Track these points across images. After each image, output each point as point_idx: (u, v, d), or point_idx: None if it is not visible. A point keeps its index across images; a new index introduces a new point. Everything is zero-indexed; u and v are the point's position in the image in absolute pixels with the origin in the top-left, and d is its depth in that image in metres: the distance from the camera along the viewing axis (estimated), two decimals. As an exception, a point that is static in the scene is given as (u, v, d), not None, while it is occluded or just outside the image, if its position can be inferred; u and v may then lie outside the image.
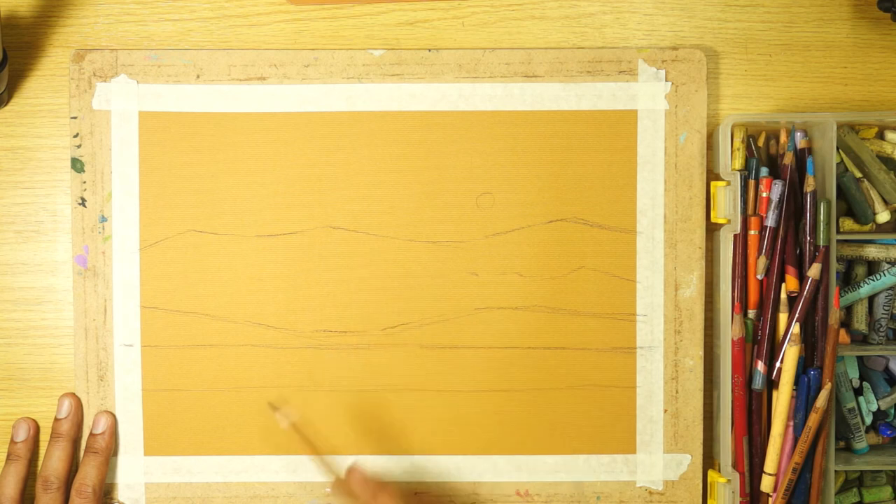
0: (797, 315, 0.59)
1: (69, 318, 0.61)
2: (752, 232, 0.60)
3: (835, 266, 0.59)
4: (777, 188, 0.59)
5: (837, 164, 0.59)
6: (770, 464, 0.59)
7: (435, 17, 0.62)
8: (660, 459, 0.61)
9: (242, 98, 0.60)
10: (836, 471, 0.59)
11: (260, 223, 0.61)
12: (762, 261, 0.59)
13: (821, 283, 0.59)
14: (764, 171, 0.60)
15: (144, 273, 0.61)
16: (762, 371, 0.59)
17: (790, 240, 0.59)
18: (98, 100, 0.60)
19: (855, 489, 0.62)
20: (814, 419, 0.58)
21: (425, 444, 0.61)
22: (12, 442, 0.60)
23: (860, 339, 0.62)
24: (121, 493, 0.61)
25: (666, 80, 0.61)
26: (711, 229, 0.62)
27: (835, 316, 0.58)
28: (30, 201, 0.61)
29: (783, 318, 0.59)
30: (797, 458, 0.58)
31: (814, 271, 0.58)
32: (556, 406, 0.61)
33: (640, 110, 0.61)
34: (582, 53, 0.61)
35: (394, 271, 0.61)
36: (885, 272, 0.60)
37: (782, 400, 0.59)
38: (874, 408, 0.62)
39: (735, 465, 0.60)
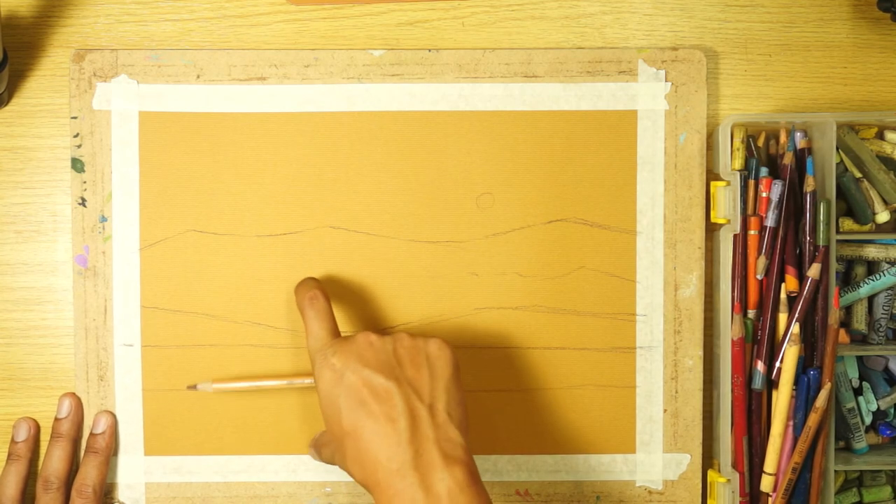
0: (797, 315, 0.59)
1: (69, 318, 0.61)
2: (751, 232, 0.60)
3: (834, 266, 0.59)
4: (777, 188, 0.59)
5: (837, 164, 0.59)
6: (770, 463, 0.59)
7: (435, 17, 0.62)
8: (659, 459, 0.61)
9: (242, 98, 0.60)
10: (835, 471, 0.59)
11: (260, 223, 0.61)
12: (762, 261, 0.59)
13: (820, 283, 0.59)
14: (764, 171, 0.60)
15: (144, 273, 0.60)
16: (762, 371, 0.59)
17: (790, 240, 0.59)
18: (98, 100, 0.60)
19: (854, 489, 0.62)
20: (813, 419, 0.58)
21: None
22: (13, 442, 0.60)
23: (860, 339, 0.62)
24: (121, 492, 0.61)
25: (666, 81, 0.61)
26: (711, 229, 0.62)
27: (834, 316, 0.58)
28: (30, 201, 0.61)
29: (783, 318, 0.59)
30: (797, 458, 0.58)
31: (813, 271, 0.58)
32: (556, 406, 0.61)
33: (639, 110, 0.61)
34: (582, 54, 0.61)
35: (394, 271, 0.61)
36: (885, 272, 0.60)
37: (782, 400, 0.59)
38: (874, 408, 0.62)
39: (735, 465, 0.60)
